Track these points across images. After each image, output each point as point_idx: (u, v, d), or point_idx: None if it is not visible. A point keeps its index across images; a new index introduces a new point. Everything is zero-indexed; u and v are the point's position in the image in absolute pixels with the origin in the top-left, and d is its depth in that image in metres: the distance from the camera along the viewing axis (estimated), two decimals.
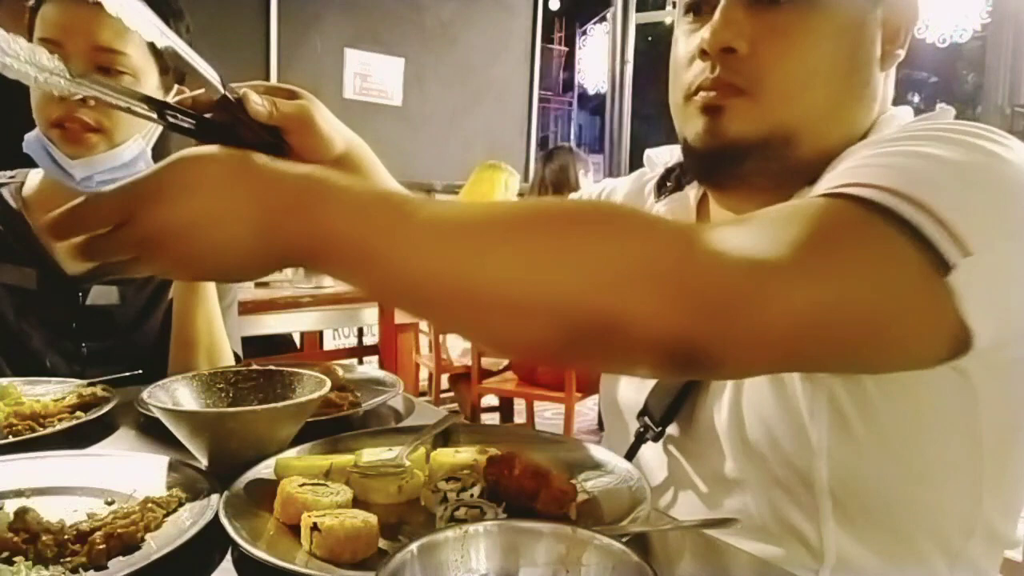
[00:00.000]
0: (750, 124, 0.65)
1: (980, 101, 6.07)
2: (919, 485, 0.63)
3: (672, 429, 0.77)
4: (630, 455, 0.80)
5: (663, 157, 0.88)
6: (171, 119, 0.60)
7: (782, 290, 0.46)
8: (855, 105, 0.67)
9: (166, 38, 0.59)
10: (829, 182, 0.54)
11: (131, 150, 1.06)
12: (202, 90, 0.65)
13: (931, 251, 0.47)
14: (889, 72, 0.70)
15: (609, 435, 0.91)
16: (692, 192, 0.82)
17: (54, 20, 0.99)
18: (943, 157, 0.52)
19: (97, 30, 0.99)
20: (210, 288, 1.05)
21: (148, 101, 0.58)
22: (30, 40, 1.00)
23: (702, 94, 0.67)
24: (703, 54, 0.66)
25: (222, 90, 0.65)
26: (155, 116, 0.59)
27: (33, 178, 1.15)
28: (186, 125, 0.62)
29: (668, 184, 0.84)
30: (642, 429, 0.79)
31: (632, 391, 0.82)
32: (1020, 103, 5.40)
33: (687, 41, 0.70)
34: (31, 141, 1.03)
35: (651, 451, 0.79)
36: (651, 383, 0.78)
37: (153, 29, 0.58)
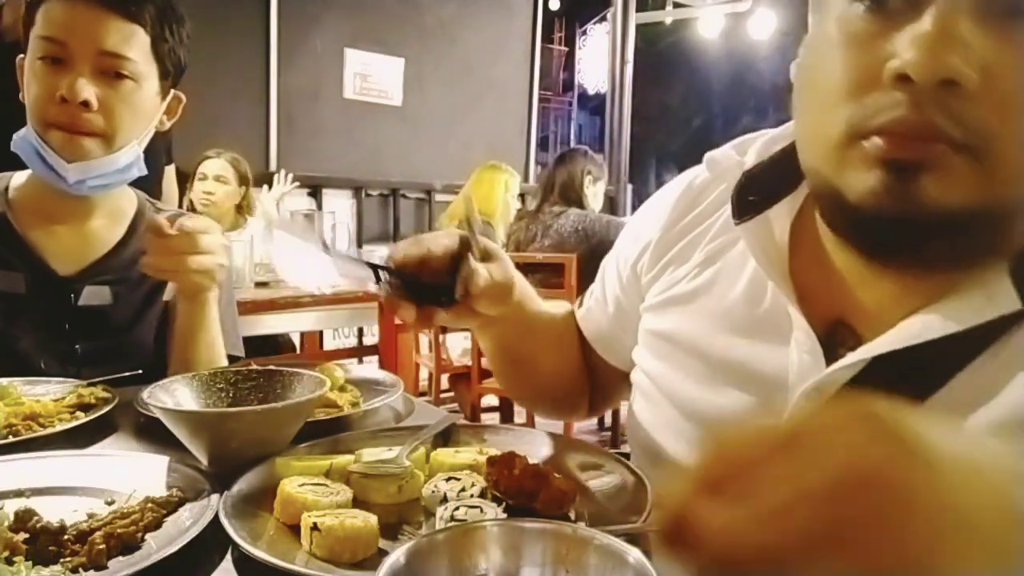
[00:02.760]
0: (965, 191, 0.44)
1: None
2: None
3: None
4: None
5: (732, 159, 0.67)
6: (383, 278, 0.67)
7: None
8: None
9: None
10: None
11: (127, 156, 1.04)
12: (413, 247, 0.70)
13: None
14: None
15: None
16: (783, 213, 0.61)
17: (60, 19, 0.97)
18: None
19: (104, 34, 0.97)
20: (213, 312, 1.03)
21: (370, 266, 0.67)
22: (27, 36, 1.00)
23: (882, 141, 0.45)
24: (901, 80, 0.43)
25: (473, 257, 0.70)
26: (375, 279, 0.67)
27: (17, 179, 1.12)
28: (394, 281, 0.68)
29: (752, 199, 0.62)
30: None
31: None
32: None
33: (860, 49, 0.47)
34: (21, 141, 1.01)
35: None
36: None
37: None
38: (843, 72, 0.48)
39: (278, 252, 0.60)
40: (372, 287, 0.67)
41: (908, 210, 0.45)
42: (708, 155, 0.69)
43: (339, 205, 4.20)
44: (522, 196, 3.99)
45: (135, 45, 1.00)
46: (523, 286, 0.78)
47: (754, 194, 0.62)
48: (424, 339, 3.21)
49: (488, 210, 3.36)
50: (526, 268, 3.31)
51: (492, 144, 4.74)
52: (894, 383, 0.48)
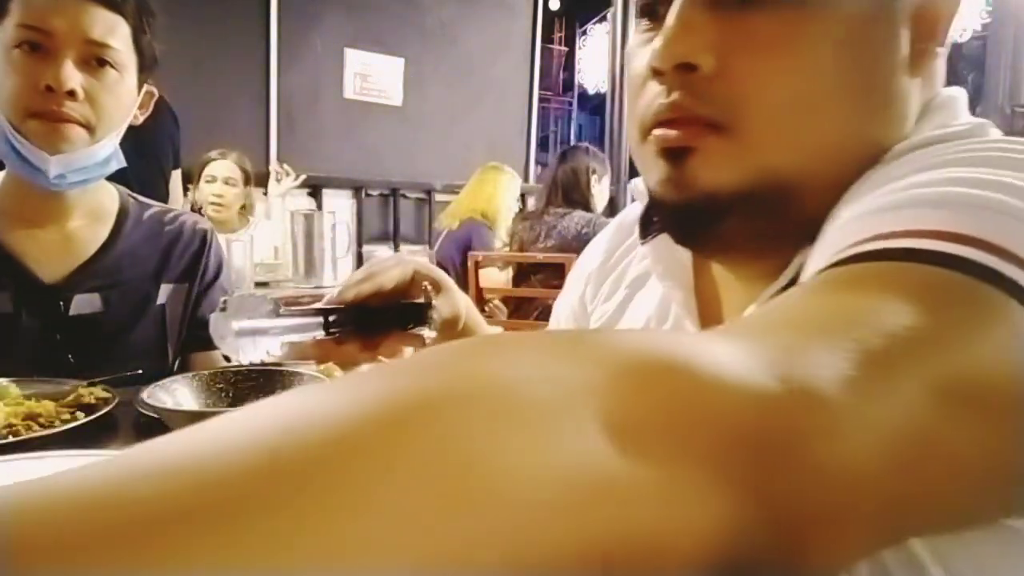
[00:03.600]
0: (727, 170, 0.46)
1: (980, 101, 6.06)
2: None
3: None
4: None
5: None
6: (331, 323, 0.67)
7: (861, 411, 0.26)
8: (876, 130, 0.47)
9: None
10: (860, 227, 0.36)
11: (107, 148, 1.01)
12: (365, 284, 0.70)
13: None
14: (934, 71, 0.50)
15: None
16: None
17: (43, 8, 0.94)
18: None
19: (90, 23, 0.95)
20: None
21: (319, 313, 0.65)
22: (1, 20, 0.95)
23: (659, 132, 0.49)
24: (655, 73, 0.48)
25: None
26: (323, 326, 0.66)
27: None
28: (343, 319, 0.68)
29: (656, 220, 0.62)
30: None
31: None
32: (1020, 103, 5.41)
33: (640, 55, 0.51)
34: None
35: None
36: None
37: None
38: (633, 75, 0.52)
39: (230, 342, 0.60)
40: (319, 334, 0.66)
41: (686, 196, 0.48)
42: (631, 183, 0.70)
43: (339, 205, 4.20)
44: (522, 196, 3.98)
45: (118, 35, 0.98)
46: (472, 317, 0.80)
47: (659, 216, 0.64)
48: None
49: (490, 211, 3.36)
50: (528, 268, 3.30)
51: (492, 144, 4.74)
52: None
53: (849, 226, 0.37)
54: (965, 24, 5.08)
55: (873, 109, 0.47)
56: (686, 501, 0.22)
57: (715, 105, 0.46)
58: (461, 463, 0.19)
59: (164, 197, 2.67)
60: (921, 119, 0.49)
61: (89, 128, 0.98)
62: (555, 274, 2.61)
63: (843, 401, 0.25)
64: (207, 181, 2.84)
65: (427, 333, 0.70)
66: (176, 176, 2.90)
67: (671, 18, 0.47)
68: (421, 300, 0.71)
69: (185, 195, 2.98)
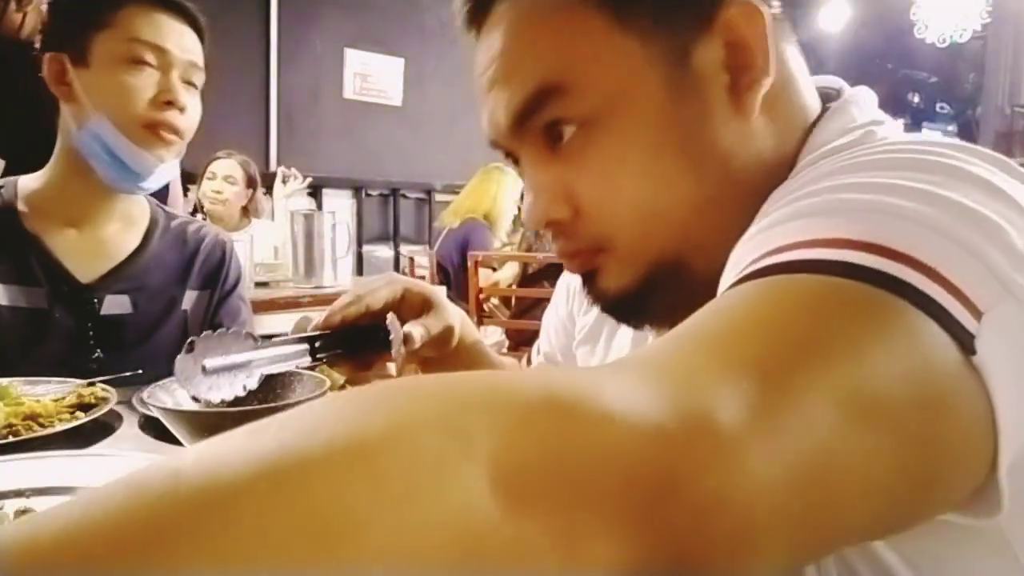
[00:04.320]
0: (623, 275, 0.53)
1: (980, 101, 6.06)
2: None
3: None
4: None
5: None
6: (317, 349, 0.66)
7: (759, 436, 0.26)
8: (731, 177, 0.49)
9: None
10: (757, 244, 0.36)
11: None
12: (352, 307, 0.70)
13: (947, 322, 0.30)
14: (784, 87, 0.50)
15: None
16: None
17: (153, 27, 1.01)
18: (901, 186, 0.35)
19: (190, 46, 1.04)
20: None
21: (304, 340, 0.66)
22: (87, 37, 1.01)
23: (567, 266, 0.57)
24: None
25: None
26: (309, 354, 0.66)
27: (26, 184, 1.09)
28: (330, 343, 0.67)
29: None
30: None
31: None
32: (1020, 103, 5.41)
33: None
34: (92, 137, 1.01)
35: None
36: None
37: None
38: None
39: (197, 382, 0.60)
40: (305, 362, 0.66)
41: (604, 302, 0.56)
42: None
43: (339, 205, 4.21)
44: (521, 196, 3.98)
45: (201, 57, 1.07)
46: (467, 329, 0.81)
47: None
48: None
49: (493, 212, 3.36)
50: (540, 272, 3.29)
51: None
52: None
53: (747, 244, 0.38)
54: (965, 24, 5.08)
55: (716, 165, 0.49)
56: (578, 547, 0.22)
57: (587, 239, 0.53)
58: (338, 525, 0.19)
59: (163, 197, 2.67)
60: (818, 126, 0.50)
61: (183, 140, 1.07)
62: (557, 275, 2.60)
63: (741, 427, 0.25)
64: (208, 179, 2.88)
65: (392, 354, 0.68)
66: (176, 176, 2.90)
67: (525, 184, 0.54)
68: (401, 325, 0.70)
69: (186, 195, 2.99)
